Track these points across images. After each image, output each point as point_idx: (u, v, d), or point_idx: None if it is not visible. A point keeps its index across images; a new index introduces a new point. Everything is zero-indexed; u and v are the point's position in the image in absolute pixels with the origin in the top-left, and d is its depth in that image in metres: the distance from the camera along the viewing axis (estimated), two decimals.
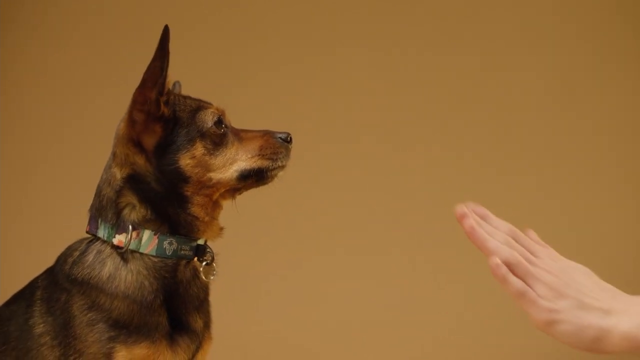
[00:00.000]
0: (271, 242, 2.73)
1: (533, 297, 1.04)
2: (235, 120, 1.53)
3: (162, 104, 1.42)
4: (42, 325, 1.42)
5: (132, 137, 1.43)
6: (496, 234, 1.09)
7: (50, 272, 1.48)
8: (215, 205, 1.47)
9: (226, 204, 1.51)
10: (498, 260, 1.05)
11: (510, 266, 1.07)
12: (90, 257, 1.42)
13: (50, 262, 1.53)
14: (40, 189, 2.78)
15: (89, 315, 1.38)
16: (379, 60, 2.78)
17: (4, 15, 2.79)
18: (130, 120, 1.43)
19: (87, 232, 1.45)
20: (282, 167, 1.48)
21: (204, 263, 1.45)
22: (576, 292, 1.05)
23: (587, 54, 2.74)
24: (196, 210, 1.43)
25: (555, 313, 1.03)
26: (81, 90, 2.77)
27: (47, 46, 2.83)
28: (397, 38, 2.78)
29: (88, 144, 2.78)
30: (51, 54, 2.82)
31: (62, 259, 1.46)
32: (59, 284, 1.43)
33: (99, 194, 1.45)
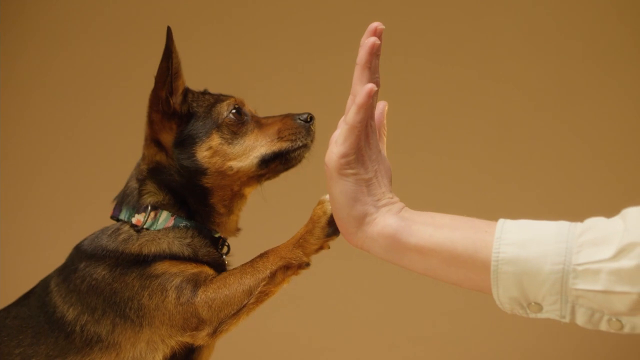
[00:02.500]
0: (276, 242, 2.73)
1: (354, 139, 1.08)
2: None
3: (172, 102, 1.45)
4: (70, 309, 1.39)
5: (152, 137, 1.47)
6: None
7: (63, 264, 1.47)
8: (236, 197, 1.48)
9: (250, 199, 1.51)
10: (375, 88, 1.08)
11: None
12: (107, 233, 1.43)
13: (50, 263, 1.52)
14: (41, 191, 2.78)
15: (118, 269, 1.37)
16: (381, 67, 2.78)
17: (5, 15, 2.79)
18: (149, 121, 1.47)
19: (110, 217, 1.47)
20: (305, 146, 1.47)
21: (223, 256, 1.46)
22: (374, 174, 1.10)
23: (586, 61, 2.75)
24: (215, 202, 1.45)
25: (349, 168, 1.07)
26: (83, 91, 2.77)
27: (49, 47, 2.82)
28: (397, 45, 2.79)
29: (89, 145, 2.79)
30: (53, 55, 2.82)
31: (79, 243, 1.47)
32: (74, 261, 1.42)
33: (126, 185, 1.49)
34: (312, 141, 1.48)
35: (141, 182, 1.45)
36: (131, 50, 2.72)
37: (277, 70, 2.77)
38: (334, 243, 2.69)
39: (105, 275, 1.36)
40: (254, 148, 1.46)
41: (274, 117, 1.51)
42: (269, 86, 2.73)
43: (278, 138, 1.47)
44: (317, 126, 1.48)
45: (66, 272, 1.42)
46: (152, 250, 1.37)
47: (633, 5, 2.73)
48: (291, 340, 2.67)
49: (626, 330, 0.96)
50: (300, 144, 1.47)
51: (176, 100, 1.45)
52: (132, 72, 2.36)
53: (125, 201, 1.45)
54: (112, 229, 1.43)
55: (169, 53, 1.42)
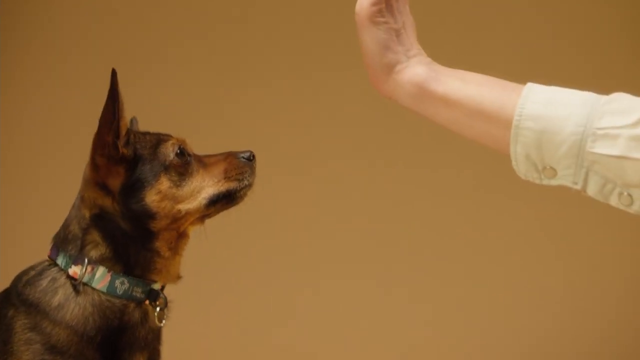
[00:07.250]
0: (261, 250, 2.73)
1: None
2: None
3: (120, 147, 1.43)
4: None
5: (97, 181, 1.45)
6: None
7: (5, 290, 1.50)
8: (181, 237, 1.49)
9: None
10: None
11: None
12: (44, 283, 1.44)
13: None
14: (42, 191, 2.78)
15: (29, 335, 1.40)
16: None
17: (5, 14, 2.79)
18: (93, 165, 1.45)
19: (48, 257, 1.48)
20: (250, 185, 1.50)
21: (157, 308, 1.47)
22: (402, 25, 1.12)
23: (586, 63, 2.75)
24: (160, 245, 1.45)
25: (380, 16, 1.09)
26: (84, 91, 2.76)
27: (48, 47, 2.83)
28: None
29: (88, 148, 2.79)
30: (54, 55, 2.82)
31: (18, 277, 1.48)
32: (10, 300, 1.45)
33: (66, 227, 1.47)
34: (254, 179, 1.51)
35: (84, 230, 1.44)
36: (133, 51, 2.73)
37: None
38: (330, 254, 2.66)
39: (18, 334, 1.40)
40: (202, 189, 1.47)
41: (215, 155, 1.52)
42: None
43: (225, 178, 1.48)
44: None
45: (1, 305, 1.45)
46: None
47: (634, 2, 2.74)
48: (288, 347, 2.67)
49: (635, 207, 0.98)
50: (247, 183, 1.50)
51: (121, 142, 1.44)
52: (134, 73, 2.36)
53: (64, 248, 1.45)
54: (51, 277, 1.44)
55: (115, 96, 1.40)
